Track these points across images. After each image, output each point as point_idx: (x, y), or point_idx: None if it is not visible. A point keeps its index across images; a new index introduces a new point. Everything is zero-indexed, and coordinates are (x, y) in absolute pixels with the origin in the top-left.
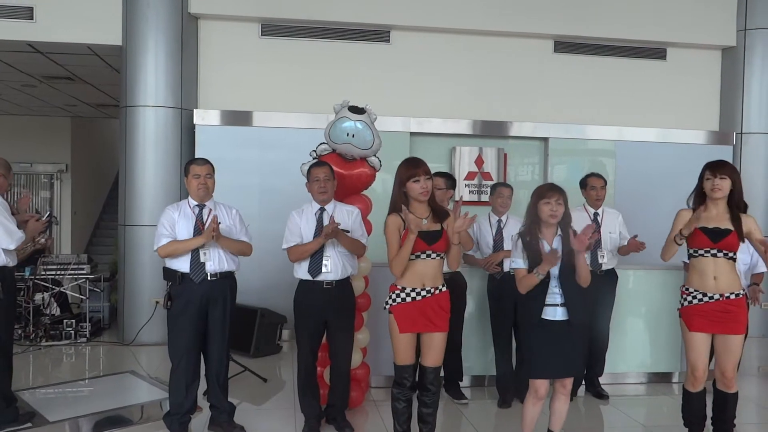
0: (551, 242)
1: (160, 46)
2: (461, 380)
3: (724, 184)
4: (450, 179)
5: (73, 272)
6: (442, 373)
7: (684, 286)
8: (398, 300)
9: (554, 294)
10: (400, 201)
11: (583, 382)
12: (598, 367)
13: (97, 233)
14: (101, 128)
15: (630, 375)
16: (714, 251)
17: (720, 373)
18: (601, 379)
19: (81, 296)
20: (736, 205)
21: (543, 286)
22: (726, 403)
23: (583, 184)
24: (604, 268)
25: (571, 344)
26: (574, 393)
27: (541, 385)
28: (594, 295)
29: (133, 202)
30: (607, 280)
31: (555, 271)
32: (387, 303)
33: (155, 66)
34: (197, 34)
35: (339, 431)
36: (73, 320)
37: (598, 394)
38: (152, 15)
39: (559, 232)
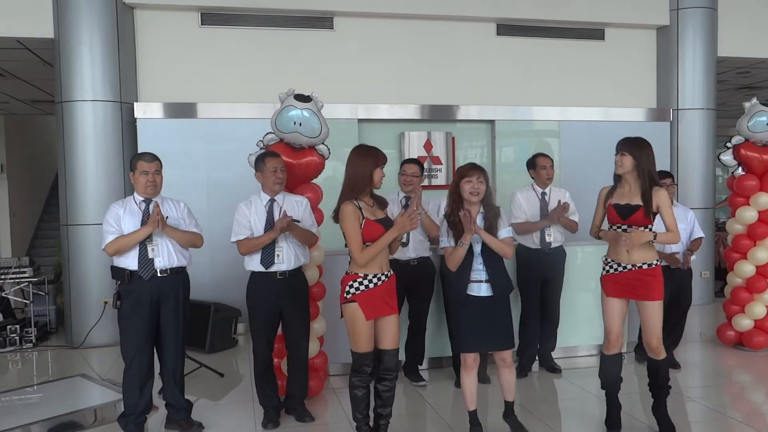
0: (474, 219)
1: (95, 38)
2: (421, 363)
3: (624, 161)
4: (421, 166)
5: (14, 276)
6: (402, 357)
7: (604, 256)
8: (361, 288)
9: (479, 271)
10: (365, 186)
11: (537, 358)
12: (551, 343)
13: (39, 234)
14: (38, 125)
15: (581, 348)
16: (624, 227)
17: (646, 342)
18: (554, 354)
19: (25, 300)
20: (648, 179)
21: (468, 263)
22: (658, 369)
23: (532, 164)
24: (552, 246)
25: (498, 318)
26: (528, 369)
27: (467, 357)
28: (544, 273)
29: (75, 201)
30: (556, 257)
31: (477, 248)
32: (348, 293)
33: (91, 59)
34: (134, 25)
35: (299, 421)
36: (17, 326)
37: (552, 368)
38: (85, 5)
39: (482, 209)
